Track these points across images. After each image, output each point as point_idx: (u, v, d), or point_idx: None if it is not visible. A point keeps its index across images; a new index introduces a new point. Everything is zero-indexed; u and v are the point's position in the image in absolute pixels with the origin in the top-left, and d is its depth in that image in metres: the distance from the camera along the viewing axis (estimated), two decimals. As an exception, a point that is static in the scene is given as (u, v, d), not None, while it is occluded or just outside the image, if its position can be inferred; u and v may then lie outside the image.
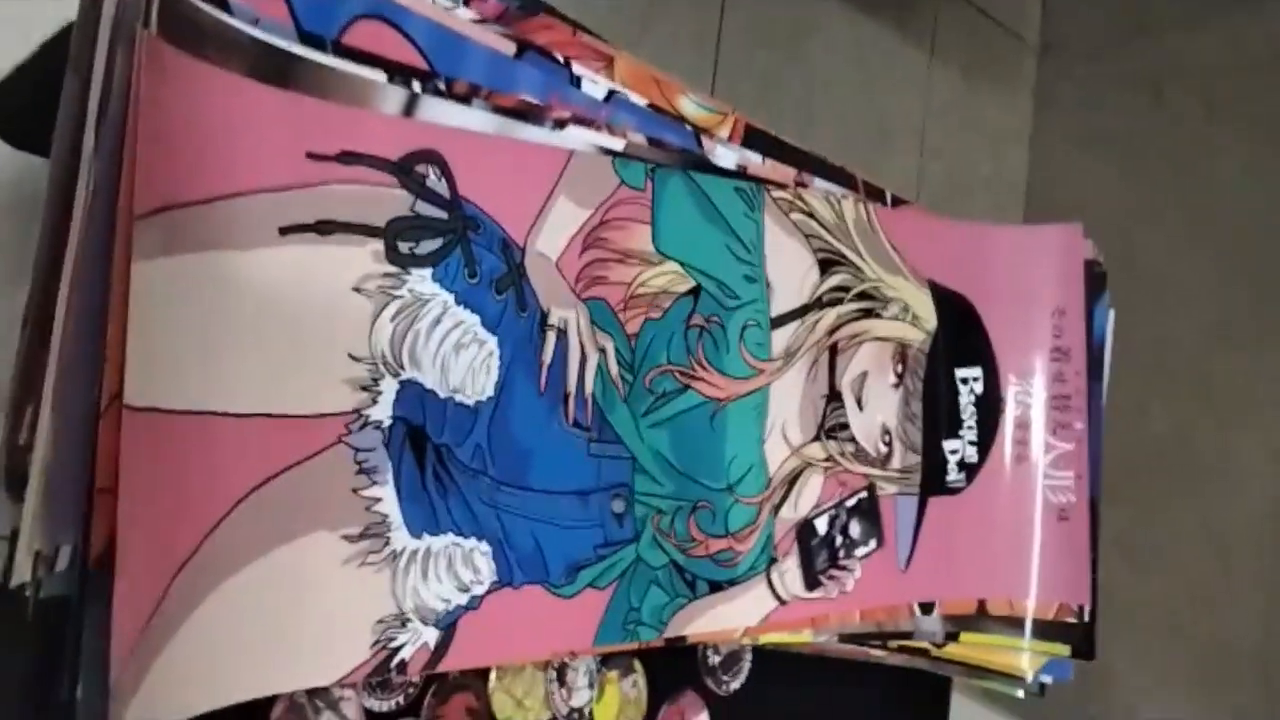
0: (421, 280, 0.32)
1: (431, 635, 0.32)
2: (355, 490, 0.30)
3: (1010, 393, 0.52)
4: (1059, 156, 1.42)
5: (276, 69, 0.28)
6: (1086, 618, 0.50)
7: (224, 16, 0.27)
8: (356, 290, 0.30)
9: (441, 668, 0.32)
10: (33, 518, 0.26)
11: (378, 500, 0.31)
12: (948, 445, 0.50)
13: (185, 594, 0.27)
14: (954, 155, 1.35)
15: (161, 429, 0.27)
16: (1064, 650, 0.50)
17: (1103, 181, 1.32)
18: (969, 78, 1.43)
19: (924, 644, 0.48)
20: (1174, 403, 1.24)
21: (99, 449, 0.26)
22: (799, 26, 1.19)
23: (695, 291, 0.39)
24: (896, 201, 0.48)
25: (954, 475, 0.50)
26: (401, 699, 0.34)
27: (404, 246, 0.31)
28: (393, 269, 0.31)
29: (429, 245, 0.32)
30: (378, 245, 0.31)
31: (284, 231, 0.29)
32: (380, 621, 0.31)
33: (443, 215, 0.32)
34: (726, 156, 0.41)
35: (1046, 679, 0.50)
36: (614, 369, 0.37)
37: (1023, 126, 1.51)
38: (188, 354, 0.27)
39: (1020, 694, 0.50)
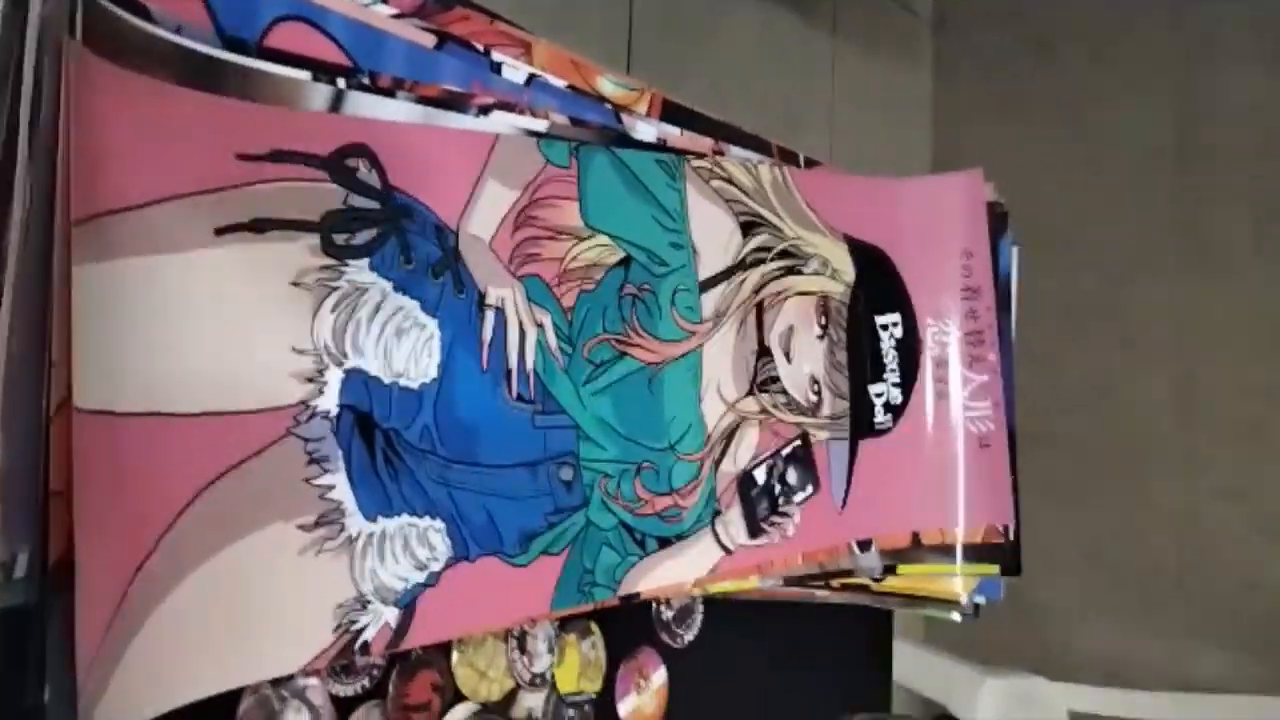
0: (359, 270, 0.32)
1: (392, 615, 0.33)
2: (307, 480, 0.31)
3: (928, 334, 0.54)
4: (961, 124, 1.47)
5: (201, 73, 0.28)
6: (1011, 536, 0.54)
7: (146, 25, 0.27)
8: (295, 284, 0.31)
9: (404, 646, 0.33)
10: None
11: (330, 488, 0.32)
12: (873, 389, 0.52)
13: (145, 593, 0.28)
14: (862, 132, 1.39)
15: (112, 431, 0.27)
16: (993, 570, 0.53)
17: (1004, 143, 1.37)
18: (871, 56, 1.46)
19: (864, 580, 0.51)
20: (1086, 346, 1.30)
21: (52, 453, 0.27)
22: (708, 15, 1.21)
23: (626, 262, 0.40)
24: (809, 163, 0.50)
25: (881, 417, 0.52)
26: (366, 682, 0.35)
27: (339, 239, 0.32)
28: (330, 261, 0.32)
29: (364, 236, 0.32)
30: (313, 239, 0.31)
31: (219, 232, 0.29)
32: (340, 606, 0.32)
33: (375, 206, 0.33)
34: (646, 131, 0.42)
35: (980, 600, 0.53)
36: (553, 342, 0.38)
37: (925, 99, 1.55)
38: (132, 356, 0.28)
39: (957, 618, 0.53)
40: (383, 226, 0.33)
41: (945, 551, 0.53)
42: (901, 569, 0.52)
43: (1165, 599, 1.21)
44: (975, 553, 0.53)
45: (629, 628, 0.43)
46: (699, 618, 0.46)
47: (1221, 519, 1.20)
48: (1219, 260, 1.25)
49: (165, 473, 0.28)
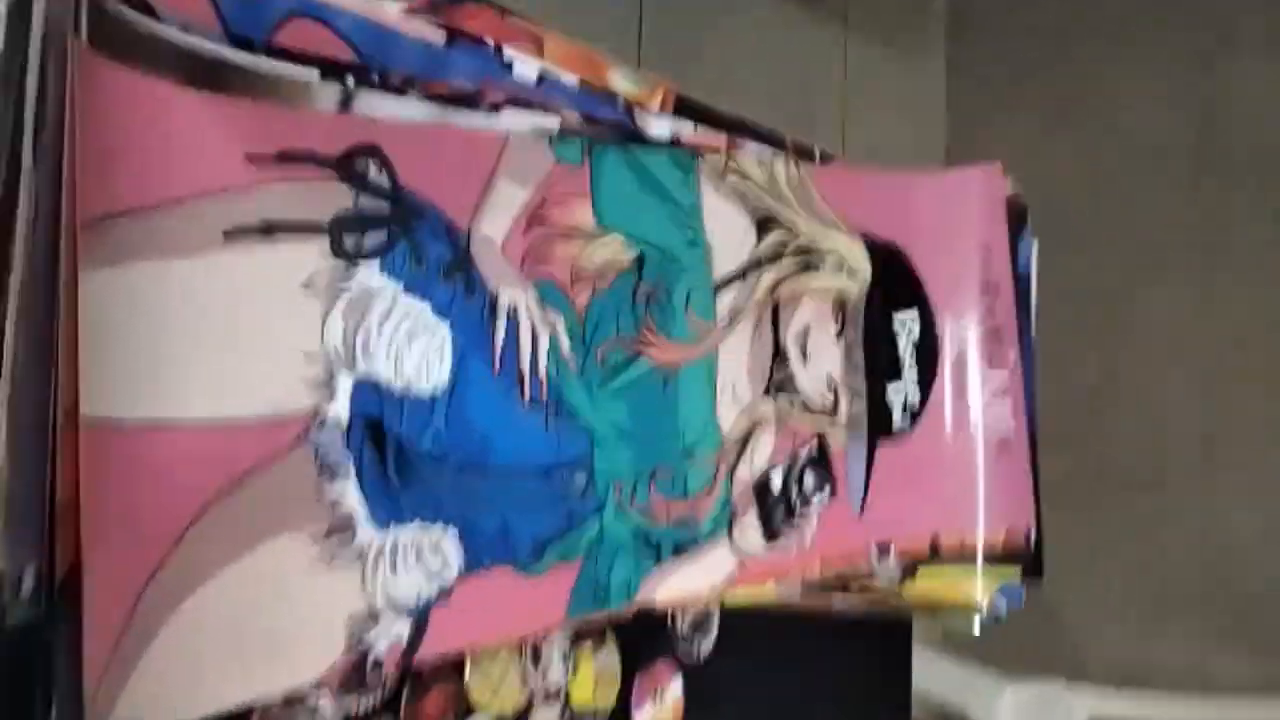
0: (369, 273, 0.32)
1: (404, 627, 0.32)
2: (318, 490, 0.30)
3: (946, 332, 0.53)
4: (975, 118, 1.45)
5: (209, 74, 0.27)
6: (1033, 538, 0.53)
7: (153, 24, 0.26)
8: (305, 288, 0.30)
9: (417, 659, 0.33)
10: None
11: (341, 498, 0.31)
12: (891, 389, 0.51)
13: (154, 609, 0.27)
14: (874, 125, 1.37)
15: (120, 440, 0.26)
16: (1014, 572, 0.52)
17: (1019, 138, 1.35)
18: (883, 49, 1.45)
19: (883, 586, 0.50)
20: (1104, 345, 1.28)
21: (59, 463, 0.26)
22: (718, 6, 1.21)
23: (639, 261, 0.40)
24: (825, 158, 0.49)
25: (899, 418, 0.51)
26: (379, 696, 0.34)
27: (349, 241, 0.31)
28: (340, 264, 0.31)
29: (374, 238, 0.32)
30: (323, 242, 0.30)
31: (228, 235, 0.28)
32: (352, 618, 0.31)
33: (385, 207, 0.32)
34: (659, 127, 0.41)
35: (1002, 606, 0.52)
36: (565, 345, 0.37)
37: (939, 92, 1.54)
38: (140, 363, 0.27)
39: (975, 629, 0.52)
40: (393, 228, 0.32)
41: (965, 556, 0.52)
42: (921, 574, 0.51)
43: (1186, 601, 1.20)
44: (996, 557, 0.52)
45: (645, 639, 0.42)
46: (715, 630, 0.46)
47: (1243, 520, 1.19)
48: (1240, 257, 1.24)
49: (175, 483, 0.28)
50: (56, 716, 0.26)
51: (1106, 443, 1.26)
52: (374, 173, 0.32)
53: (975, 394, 0.53)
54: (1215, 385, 1.23)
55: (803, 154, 0.48)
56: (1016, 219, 0.55)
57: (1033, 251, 0.56)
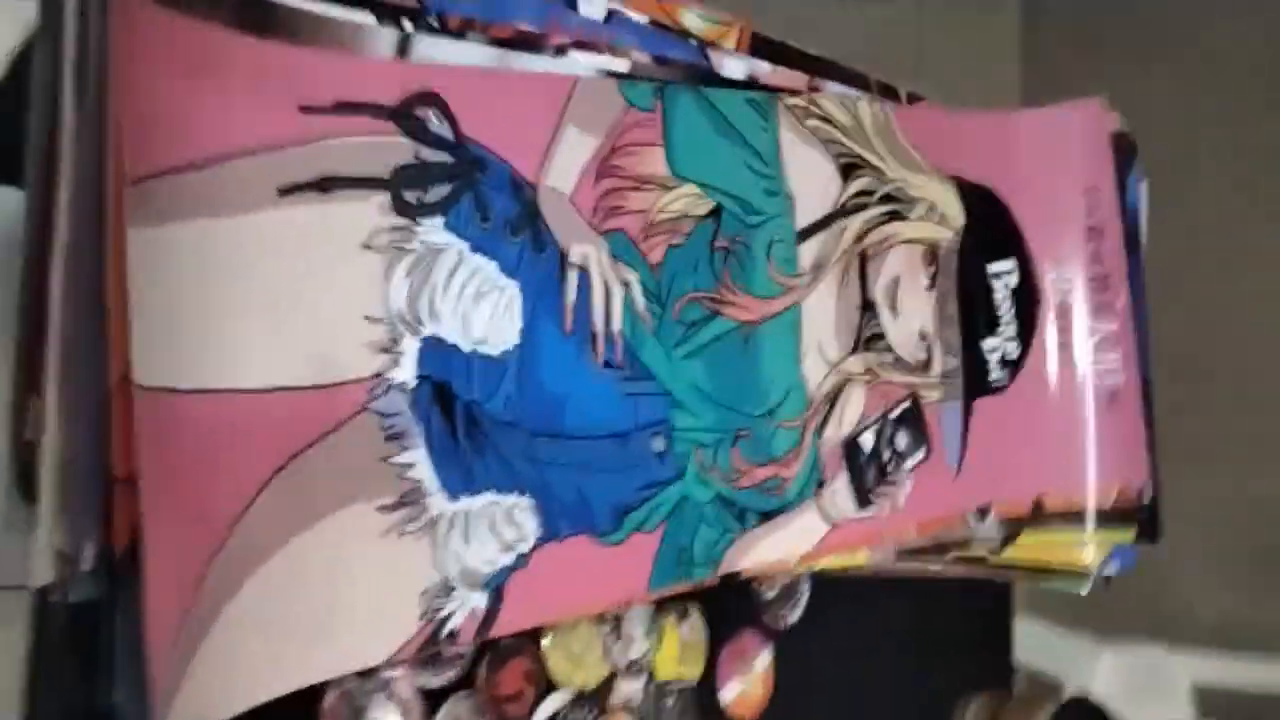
0: (433, 230, 0.30)
1: (480, 600, 0.31)
2: (385, 458, 0.29)
3: (1047, 281, 0.50)
4: (1052, 65, 1.39)
5: (259, 18, 0.26)
6: (1147, 498, 0.49)
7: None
8: (366, 247, 0.29)
9: (494, 633, 0.31)
10: (51, 515, 0.25)
11: (410, 466, 0.30)
12: (987, 344, 0.48)
13: (219, 585, 0.26)
14: (947, 68, 1.32)
15: (176, 411, 0.25)
16: (1128, 535, 0.49)
17: (1095, 77, 1.28)
18: None
19: (982, 551, 0.47)
20: (1200, 298, 1.21)
21: (113, 436, 0.25)
22: None
23: (716, 213, 0.37)
24: (912, 99, 0.46)
25: (996, 373, 0.48)
26: (455, 672, 0.33)
27: (411, 196, 0.29)
28: (402, 221, 0.29)
29: (437, 192, 0.30)
30: (383, 198, 0.29)
31: (283, 192, 0.27)
32: (425, 592, 0.30)
33: (448, 159, 0.30)
34: (735, 68, 0.39)
35: (1110, 571, 0.49)
36: (640, 303, 0.35)
37: (1013, 32, 1.48)
38: (194, 329, 0.26)
39: (1084, 591, 0.49)
40: (457, 181, 0.30)
41: (1072, 517, 0.49)
42: (1023, 538, 0.48)
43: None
44: (1107, 517, 0.49)
45: (730, 609, 0.41)
46: (805, 597, 0.44)
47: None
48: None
49: (235, 455, 0.26)
50: (121, 697, 0.25)
51: (1207, 395, 1.20)
52: (435, 123, 0.30)
53: (1081, 345, 0.50)
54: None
55: (888, 95, 0.45)
56: (1124, 156, 0.51)
57: (1141, 191, 0.52)
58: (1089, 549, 0.49)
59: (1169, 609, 1.13)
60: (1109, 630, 0.93)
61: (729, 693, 0.41)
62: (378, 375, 0.29)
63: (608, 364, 0.34)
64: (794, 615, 0.43)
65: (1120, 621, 0.95)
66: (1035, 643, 0.87)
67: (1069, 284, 0.50)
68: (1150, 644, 0.92)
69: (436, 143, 0.30)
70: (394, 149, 0.29)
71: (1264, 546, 1.15)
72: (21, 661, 0.28)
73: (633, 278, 0.35)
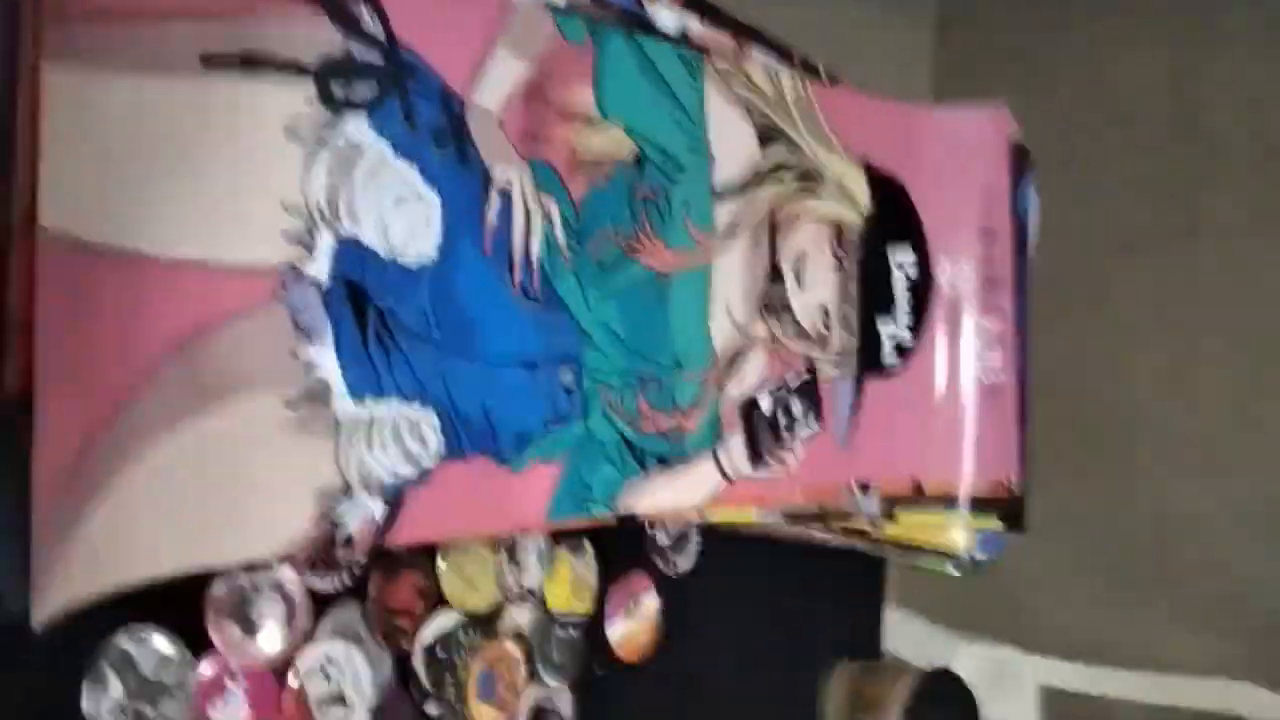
0: (357, 127, 0.29)
1: (378, 508, 0.30)
2: (293, 351, 0.28)
3: (941, 274, 0.52)
4: (961, 76, 1.44)
5: None
6: (1016, 490, 0.51)
7: None
8: (287, 132, 0.28)
9: (389, 543, 0.31)
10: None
11: (317, 362, 0.29)
12: (883, 327, 0.50)
13: (112, 454, 0.25)
14: (858, 77, 1.36)
15: (81, 262, 0.24)
16: (994, 523, 0.51)
17: (1006, 98, 1.34)
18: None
19: (862, 525, 0.49)
20: (1073, 316, 1.28)
21: (14, 278, 0.23)
22: None
23: (639, 161, 0.38)
24: (831, 79, 0.47)
25: (889, 357, 0.50)
26: (346, 579, 0.32)
27: (337, 90, 0.29)
28: (326, 114, 0.29)
29: (364, 90, 0.29)
30: (309, 87, 0.28)
31: (206, 61, 0.26)
32: (322, 491, 0.29)
33: (378, 60, 0.30)
34: (668, 20, 0.39)
35: (982, 556, 0.51)
36: (560, 235, 0.35)
37: (924, 48, 1.52)
38: (106, 181, 0.25)
39: (953, 571, 0.51)
40: (385, 82, 0.30)
41: (947, 501, 0.51)
42: (901, 516, 0.50)
43: (1142, 578, 1.20)
44: (978, 504, 0.51)
45: (623, 549, 0.41)
46: (695, 547, 0.44)
47: (1203, 501, 1.19)
48: (1214, 239, 1.23)
49: (138, 321, 0.25)
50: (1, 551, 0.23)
51: (1073, 413, 1.26)
52: (367, 19, 0.29)
53: (967, 340, 0.52)
54: (1184, 366, 1.24)
55: (809, 71, 0.46)
56: (1020, 165, 0.54)
57: (1033, 199, 0.55)
58: (959, 532, 0.51)
59: (1024, 614, 1.18)
60: (967, 628, 0.97)
61: (616, 630, 0.41)
62: (291, 266, 0.28)
63: (524, 293, 0.34)
64: (684, 563, 0.43)
65: (977, 621, 0.99)
66: (899, 630, 0.90)
67: (961, 280, 0.52)
68: (1004, 645, 0.96)
69: (368, 40, 0.29)
70: (322, 39, 0.28)
71: (1115, 562, 1.21)
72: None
73: (554, 209, 0.35)
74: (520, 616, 0.36)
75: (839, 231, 0.48)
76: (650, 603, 0.41)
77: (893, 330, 0.50)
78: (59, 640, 0.25)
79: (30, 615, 0.24)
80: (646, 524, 0.41)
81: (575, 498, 0.36)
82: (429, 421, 0.31)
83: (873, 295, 0.49)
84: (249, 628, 0.29)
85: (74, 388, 0.24)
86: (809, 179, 0.46)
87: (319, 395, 0.29)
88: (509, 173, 0.34)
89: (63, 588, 0.24)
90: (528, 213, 0.34)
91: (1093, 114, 1.33)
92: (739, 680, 0.48)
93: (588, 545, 0.39)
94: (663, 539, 0.43)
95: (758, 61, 0.43)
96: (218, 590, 0.28)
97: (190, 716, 0.28)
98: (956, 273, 0.52)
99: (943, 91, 1.47)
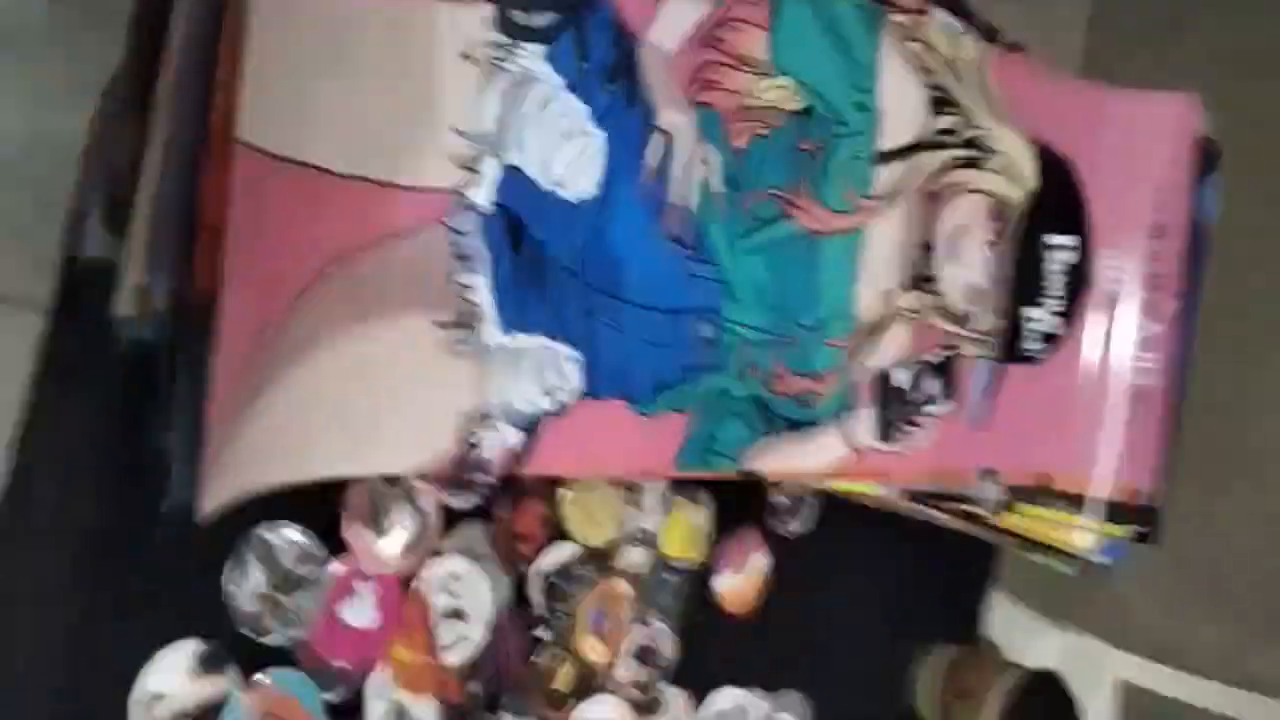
0: (533, 58, 0.29)
1: (515, 436, 0.31)
2: (450, 275, 0.29)
3: (1102, 266, 0.49)
4: (1117, 49, 1.35)
5: None
6: (1152, 501, 0.49)
7: None
8: (465, 57, 0.28)
9: (523, 471, 0.31)
10: (140, 247, 0.25)
11: (473, 289, 0.29)
12: (1030, 312, 0.48)
13: (279, 355, 0.26)
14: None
15: (265, 172, 0.25)
16: (1124, 531, 0.49)
17: (1161, 78, 1.25)
18: None
19: (981, 511, 0.47)
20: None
21: (205, 185, 0.24)
22: None
23: (806, 113, 0.37)
24: (1012, 48, 0.45)
25: (1035, 344, 0.48)
26: (478, 500, 0.33)
27: (517, 16, 0.29)
28: (504, 39, 0.29)
29: (542, 19, 0.29)
30: (488, 11, 0.28)
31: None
32: (466, 414, 0.30)
33: None
34: (851, -30, 0.38)
35: (1104, 560, 0.49)
36: (717, 185, 0.35)
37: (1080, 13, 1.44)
38: (296, 99, 0.26)
39: (1071, 572, 0.50)
40: (564, 13, 0.30)
41: (1075, 501, 0.49)
42: (1024, 508, 0.48)
43: (1239, 591, 1.14)
44: (1108, 509, 0.49)
45: (739, 506, 0.41)
46: (810, 511, 0.44)
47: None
48: None
49: (309, 231, 0.26)
50: (176, 440, 0.25)
51: (1202, 417, 1.19)
52: (555, -54, 0.29)
53: (1122, 340, 0.49)
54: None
55: (990, 37, 0.44)
56: (1204, 163, 0.50)
57: (1214, 200, 0.52)
58: (1084, 535, 0.49)
59: (1115, 609, 1.14)
60: (1055, 615, 0.95)
61: (721, 582, 0.41)
62: (456, 191, 0.28)
63: (674, 238, 0.34)
64: (797, 526, 0.43)
65: (1066, 609, 0.96)
66: (994, 613, 0.88)
67: (1122, 274, 0.49)
68: (1089, 635, 0.94)
69: None
70: None
71: (1209, 570, 1.16)
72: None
73: (714, 158, 0.34)
74: (635, 557, 0.37)
75: (1000, 209, 0.46)
76: (760, 560, 0.41)
77: (1040, 317, 0.48)
78: (211, 527, 0.26)
79: (195, 506, 0.25)
80: (766, 484, 0.41)
81: (702, 450, 0.36)
82: (571, 358, 0.32)
83: (1024, 278, 0.47)
84: (382, 534, 0.31)
85: (253, 288, 0.25)
86: (976, 150, 0.44)
87: (471, 322, 0.29)
88: (674, 116, 0.33)
89: (227, 482, 0.25)
90: (688, 160, 0.34)
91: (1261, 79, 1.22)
92: (835, 646, 0.47)
93: (707, 497, 0.39)
94: (781, 500, 0.43)
95: (938, 21, 0.41)
96: (354, 496, 0.30)
97: (322, 611, 0.29)
98: (1119, 266, 0.49)
99: (1094, 63, 1.38)
